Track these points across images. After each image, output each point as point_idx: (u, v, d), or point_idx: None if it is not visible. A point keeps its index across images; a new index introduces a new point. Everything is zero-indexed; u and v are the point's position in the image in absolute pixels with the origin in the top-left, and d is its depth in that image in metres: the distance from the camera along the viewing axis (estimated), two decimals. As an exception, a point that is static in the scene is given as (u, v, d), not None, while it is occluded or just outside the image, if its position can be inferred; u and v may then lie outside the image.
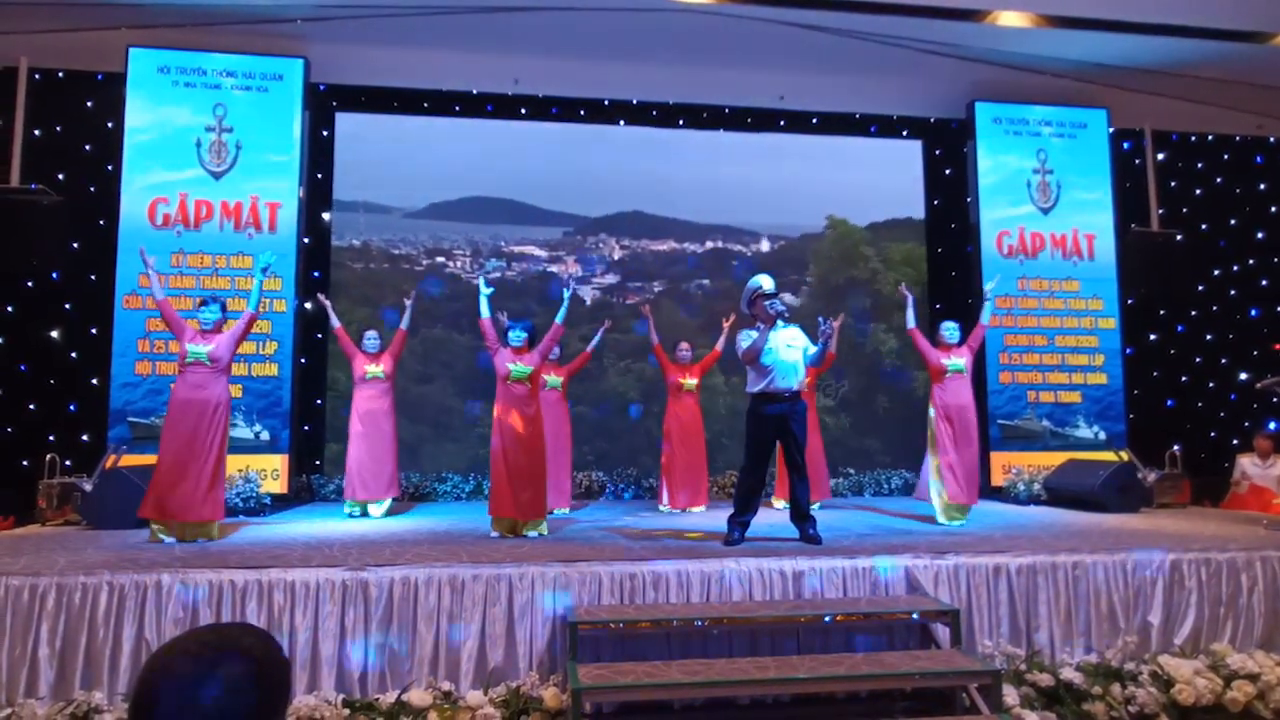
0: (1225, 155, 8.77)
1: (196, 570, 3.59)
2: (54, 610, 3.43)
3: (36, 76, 6.72)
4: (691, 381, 6.37)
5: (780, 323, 4.61)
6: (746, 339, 4.62)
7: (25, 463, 6.48)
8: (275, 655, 1.05)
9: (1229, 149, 8.77)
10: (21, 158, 6.43)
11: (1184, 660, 3.75)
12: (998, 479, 7.24)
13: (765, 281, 4.75)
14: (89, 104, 7.06)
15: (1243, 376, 8.46)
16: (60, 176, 6.85)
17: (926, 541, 4.43)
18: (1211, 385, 8.60)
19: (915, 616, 3.67)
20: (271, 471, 6.45)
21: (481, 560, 3.80)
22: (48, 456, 5.73)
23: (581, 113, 7.98)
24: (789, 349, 4.59)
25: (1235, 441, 8.13)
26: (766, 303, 4.63)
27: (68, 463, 6.10)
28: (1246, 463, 6.79)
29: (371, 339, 6.22)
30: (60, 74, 7.04)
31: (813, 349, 4.66)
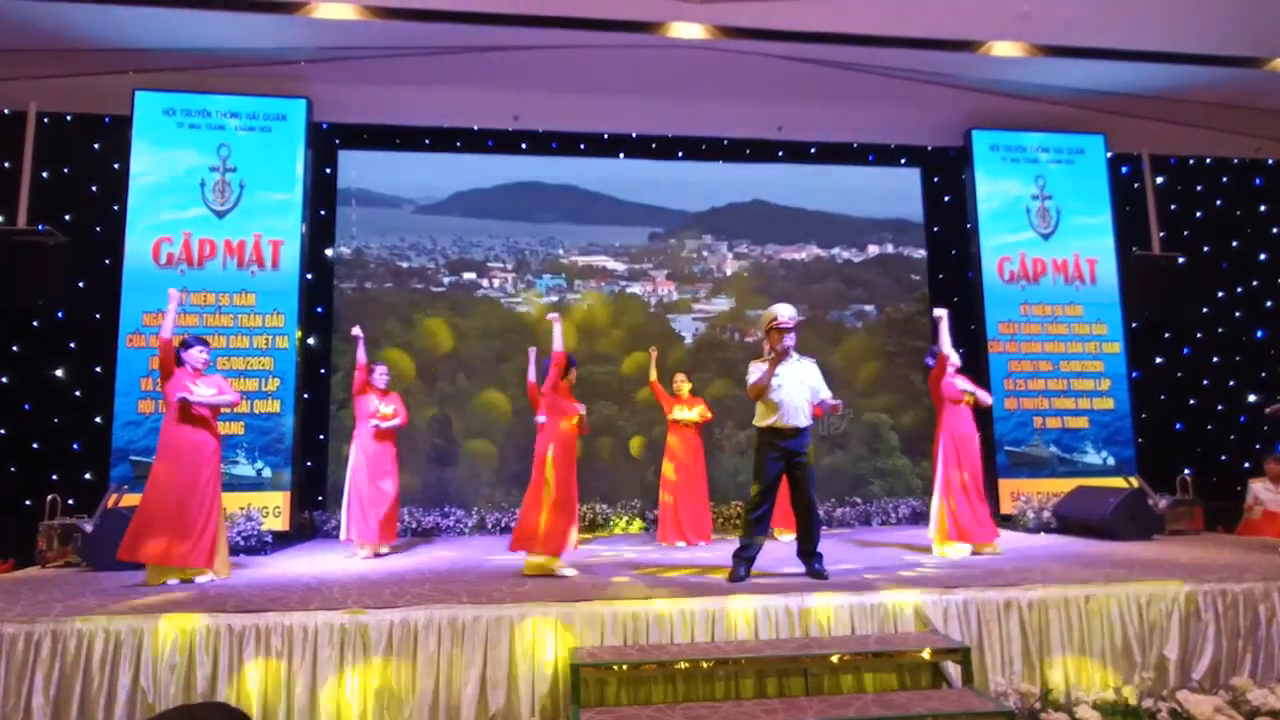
0: (1224, 178, 8.79)
1: (194, 615, 3.54)
2: (49, 658, 3.38)
3: (45, 120, 6.83)
4: (689, 414, 6.32)
5: (794, 356, 4.53)
6: (755, 373, 4.54)
7: (28, 501, 6.47)
8: None
9: (1228, 172, 8.79)
10: (29, 199, 6.51)
11: (1204, 696, 3.66)
12: (1006, 507, 7.15)
13: (782, 311, 4.53)
14: (95, 146, 7.17)
15: (1251, 399, 8.38)
16: (67, 217, 6.93)
17: (935, 576, 4.35)
18: (1220, 408, 8.52)
19: (925, 655, 3.58)
20: (273, 509, 6.41)
21: (482, 601, 3.75)
22: (49, 497, 5.71)
23: (581, 146, 8.05)
24: (800, 385, 4.51)
25: (1247, 465, 8.03)
26: (785, 337, 4.46)
27: (70, 501, 6.07)
28: (1259, 487, 6.68)
29: (382, 374, 5.90)
30: (68, 118, 7.16)
31: (824, 393, 4.59)
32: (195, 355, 4.81)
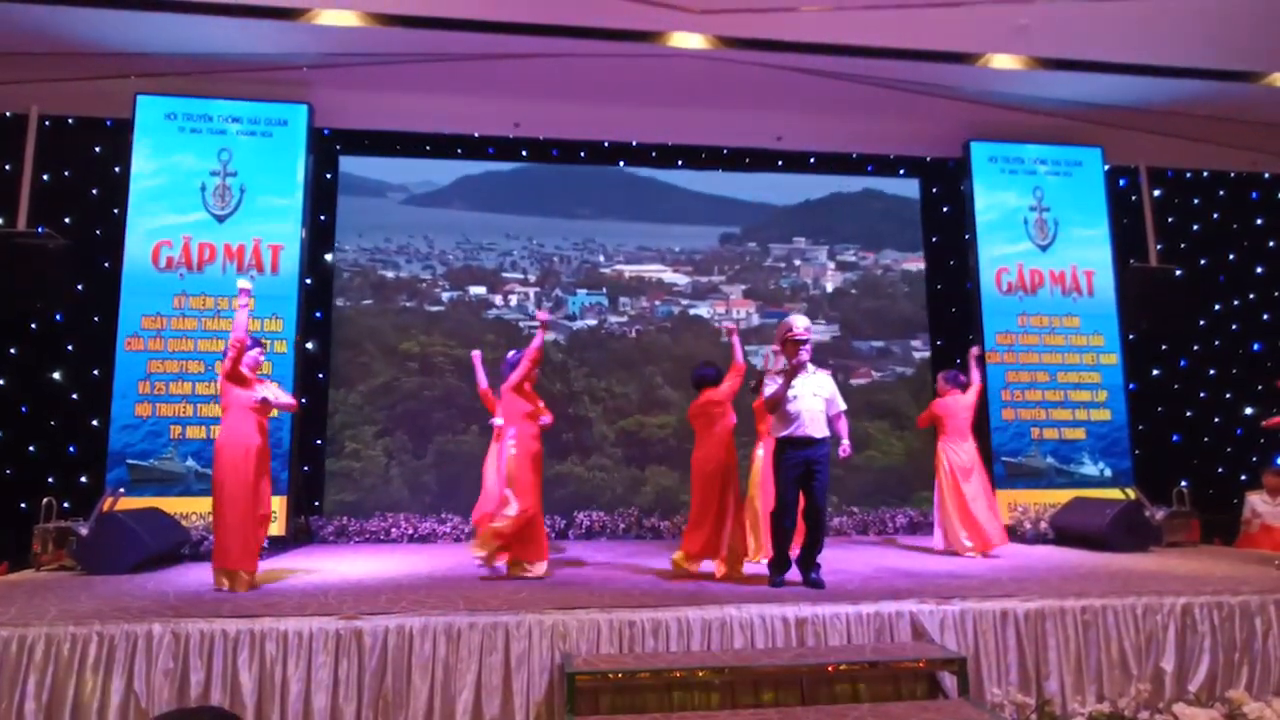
0: (1221, 191, 8.84)
1: (189, 620, 3.53)
2: (42, 662, 3.37)
3: (46, 123, 6.83)
4: None
5: (810, 367, 4.55)
6: (771, 386, 4.59)
7: (24, 504, 6.45)
8: None
9: (1224, 185, 8.84)
10: (30, 202, 6.51)
11: (1200, 709, 3.66)
12: (1004, 517, 7.14)
13: (797, 322, 4.51)
14: (97, 149, 7.19)
15: (1248, 411, 8.40)
16: (67, 220, 6.94)
17: (932, 586, 4.35)
18: (1217, 420, 8.54)
19: (921, 665, 3.58)
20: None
21: (478, 608, 3.74)
22: (45, 500, 5.69)
23: (582, 154, 8.07)
24: (814, 397, 4.54)
25: (1244, 477, 8.04)
26: (801, 350, 4.47)
27: (66, 505, 6.05)
28: (1256, 500, 6.68)
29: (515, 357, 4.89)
30: (70, 120, 7.18)
31: (840, 405, 4.64)
32: (254, 356, 4.71)
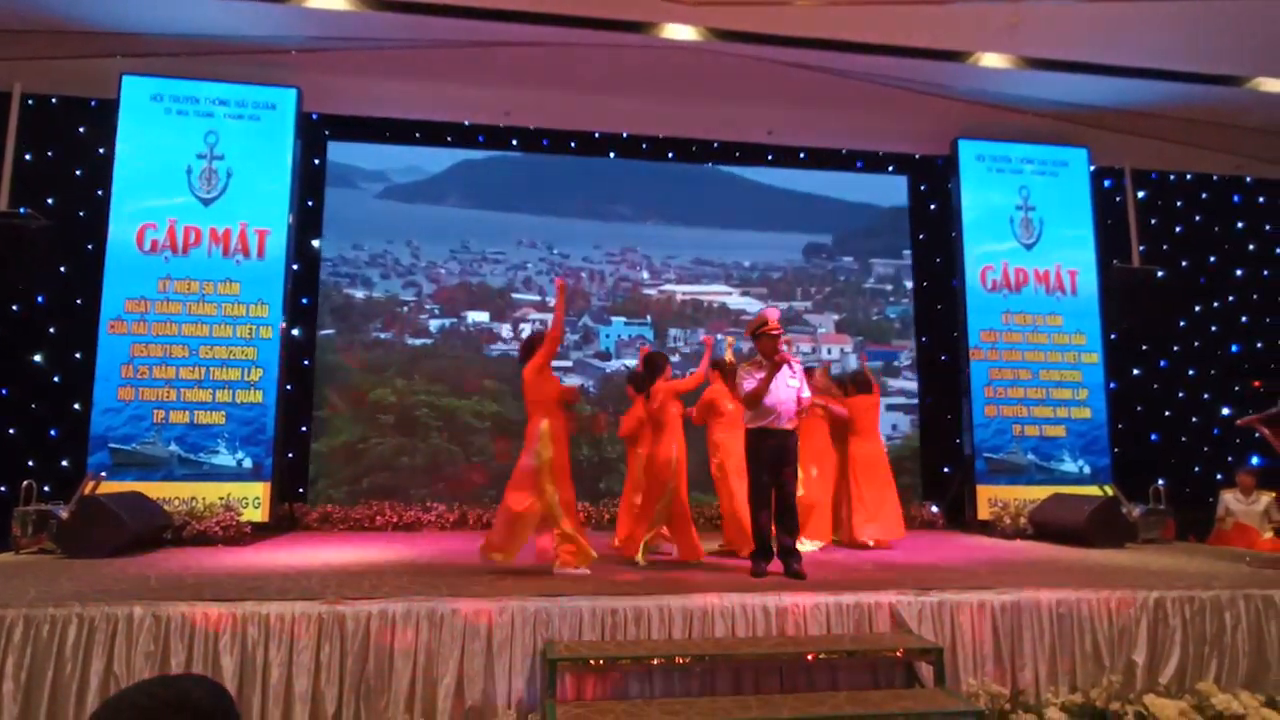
0: (1204, 194, 8.96)
1: (170, 603, 3.52)
2: (20, 643, 3.34)
3: (30, 102, 6.74)
4: None
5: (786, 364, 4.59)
6: (750, 381, 4.60)
7: (3, 488, 6.40)
8: (226, 709, 1.03)
9: (1207, 188, 8.96)
10: (11, 182, 6.42)
11: (1169, 700, 3.72)
12: (984, 512, 7.25)
13: (772, 316, 4.56)
14: (81, 130, 7.10)
15: (1225, 412, 8.54)
16: (50, 201, 6.86)
17: (911, 577, 4.41)
18: (1195, 420, 8.68)
19: (899, 654, 3.63)
20: (253, 499, 6.37)
21: (461, 594, 3.75)
22: (25, 482, 5.64)
23: (572, 144, 8.06)
24: (787, 388, 4.61)
25: (1220, 476, 8.16)
26: (782, 345, 4.50)
27: (46, 488, 6.00)
28: (1230, 498, 6.81)
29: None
30: (54, 100, 7.09)
31: (805, 395, 4.70)
32: None
